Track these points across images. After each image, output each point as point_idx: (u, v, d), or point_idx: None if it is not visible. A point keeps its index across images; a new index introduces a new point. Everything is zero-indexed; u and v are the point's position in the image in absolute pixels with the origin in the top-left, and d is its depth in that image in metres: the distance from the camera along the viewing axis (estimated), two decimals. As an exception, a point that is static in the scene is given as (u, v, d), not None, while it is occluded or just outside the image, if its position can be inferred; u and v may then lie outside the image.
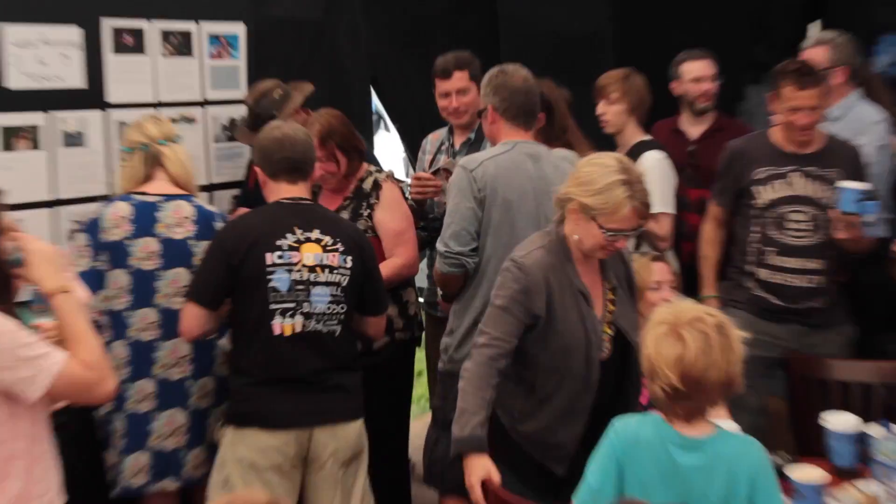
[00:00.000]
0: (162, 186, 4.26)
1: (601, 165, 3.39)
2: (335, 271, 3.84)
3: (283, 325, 3.77)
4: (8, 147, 4.54)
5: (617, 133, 5.07)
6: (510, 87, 4.18)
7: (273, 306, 3.76)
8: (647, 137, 5.06)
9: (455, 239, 4.08)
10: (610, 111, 5.03)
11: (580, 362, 3.48)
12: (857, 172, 4.49)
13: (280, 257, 3.77)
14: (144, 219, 4.17)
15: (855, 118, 4.90)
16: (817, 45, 5.03)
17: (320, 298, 3.80)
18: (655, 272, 4.06)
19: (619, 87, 4.99)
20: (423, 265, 5.14)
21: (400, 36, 6.67)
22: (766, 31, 6.01)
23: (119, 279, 4.17)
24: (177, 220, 4.16)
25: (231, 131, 5.34)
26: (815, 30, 5.91)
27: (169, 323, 4.17)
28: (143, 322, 4.22)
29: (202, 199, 4.29)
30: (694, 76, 5.41)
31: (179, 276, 4.17)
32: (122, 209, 4.19)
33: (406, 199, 4.73)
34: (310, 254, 3.81)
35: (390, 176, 4.65)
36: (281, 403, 3.77)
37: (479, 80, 4.58)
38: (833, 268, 4.57)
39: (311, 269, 3.80)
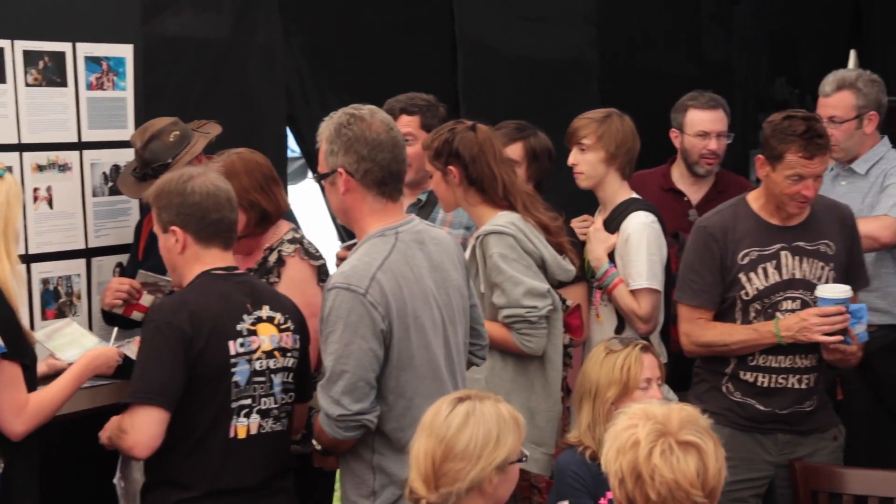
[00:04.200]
0: None
1: None
2: (288, 354, 3.60)
3: (237, 427, 3.51)
4: None
5: (594, 188, 4.58)
6: (369, 139, 3.39)
7: (233, 405, 3.50)
8: (634, 195, 4.60)
9: (350, 394, 3.34)
10: (583, 161, 4.51)
11: None
12: (849, 238, 4.19)
13: (242, 345, 3.50)
14: None
15: (882, 171, 4.72)
16: (840, 90, 4.75)
17: (277, 388, 3.58)
18: (646, 367, 3.74)
19: (593, 130, 4.46)
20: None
21: (326, 64, 6.08)
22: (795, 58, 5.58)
23: None
24: None
25: (114, 182, 4.84)
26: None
27: None
28: None
29: None
30: (700, 129, 4.98)
31: None
32: None
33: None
34: (265, 336, 3.56)
35: (299, 251, 4.11)
36: None
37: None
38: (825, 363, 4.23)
39: (270, 354, 3.55)
